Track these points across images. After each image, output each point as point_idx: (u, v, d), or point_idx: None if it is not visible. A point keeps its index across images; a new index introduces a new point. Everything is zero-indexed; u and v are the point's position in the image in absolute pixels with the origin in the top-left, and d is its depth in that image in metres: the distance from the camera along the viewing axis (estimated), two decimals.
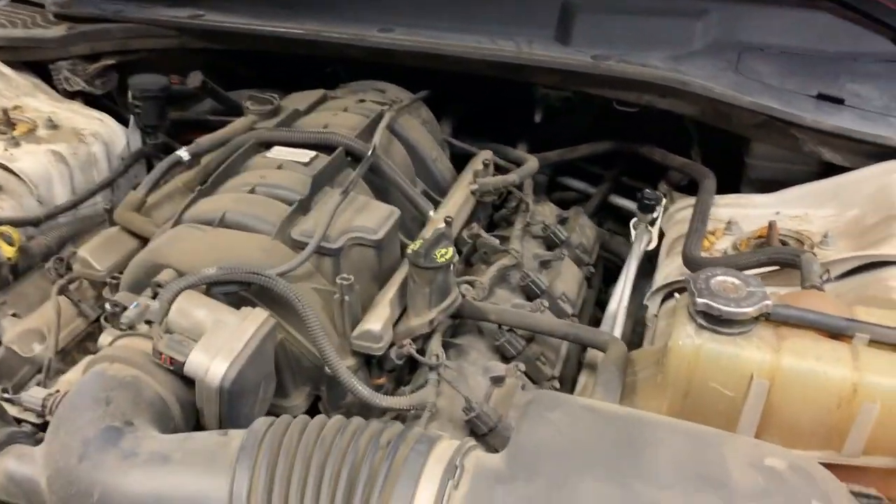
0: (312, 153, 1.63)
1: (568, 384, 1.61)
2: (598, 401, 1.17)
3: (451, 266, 1.41)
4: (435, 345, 1.42)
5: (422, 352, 1.43)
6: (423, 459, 0.98)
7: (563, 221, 2.01)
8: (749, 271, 1.40)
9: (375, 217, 1.48)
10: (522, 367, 1.48)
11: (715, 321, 1.16)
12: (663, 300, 1.57)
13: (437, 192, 1.90)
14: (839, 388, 1.11)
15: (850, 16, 1.88)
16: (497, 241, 1.78)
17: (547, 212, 2.01)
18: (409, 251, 1.39)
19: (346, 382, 1.28)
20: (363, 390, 1.29)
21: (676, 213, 1.78)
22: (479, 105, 2.27)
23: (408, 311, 1.45)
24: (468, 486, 0.96)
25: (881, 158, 1.59)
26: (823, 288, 1.26)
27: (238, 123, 1.80)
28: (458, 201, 1.74)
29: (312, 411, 1.43)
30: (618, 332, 1.61)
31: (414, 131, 1.90)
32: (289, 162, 1.61)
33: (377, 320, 1.37)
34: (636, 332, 1.77)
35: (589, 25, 1.87)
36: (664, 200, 1.91)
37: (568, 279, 1.79)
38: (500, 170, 2.07)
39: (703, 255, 1.53)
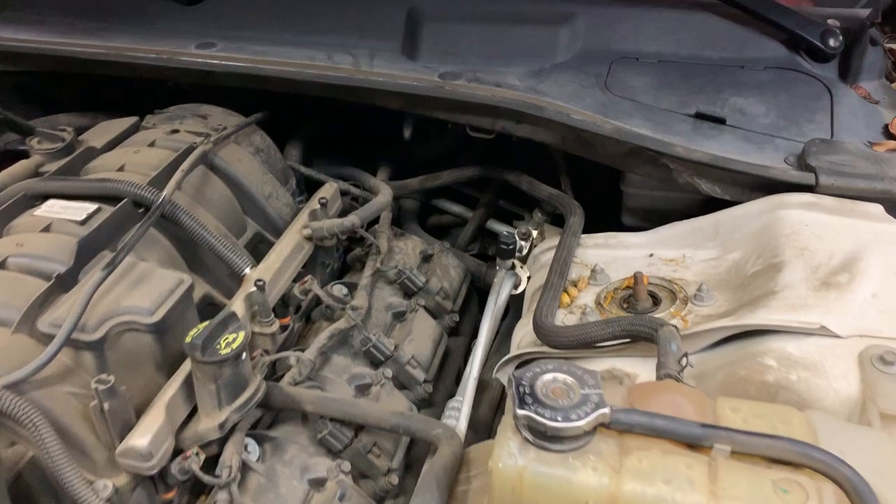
0: (92, 207, 1.34)
1: (415, 470, 1.37)
2: None
3: (244, 355, 1.15)
4: (229, 453, 1.16)
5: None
6: None
7: (428, 258, 1.76)
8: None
9: (155, 291, 1.20)
10: (347, 466, 1.23)
11: (542, 436, 0.92)
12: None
13: (274, 234, 1.63)
14: None
15: (736, 15, 1.65)
16: (336, 296, 1.52)
17: (409, 248, 1.75)
18: (185, 342, 1.12)
19: None
20: None
21: (542, 256, 1.53)
22: (337, 123, 1.99)
23: (198, 410, 1.18)
24: None
25: (765, 191, 1.37)
26: (682, 377, 1.03)
27: (17, 168, 1.50)
28: (283, 251, 1.47)
29: None
30: (467, 409, 1.37)
31: (240, 164, 1.61)
32: (60, 221, 1.31)
33: (145, 432, 1.10)
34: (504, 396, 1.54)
35: (438, 36, 1.60)
36: (534, 234, 1.67)
37: (421, 337, 1.54)
38: (356, 200, 1.81)
39: (560, 320, 1.29)
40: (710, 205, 1.47)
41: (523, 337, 1.34)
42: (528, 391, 0.94)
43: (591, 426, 0.91)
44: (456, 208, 2.05)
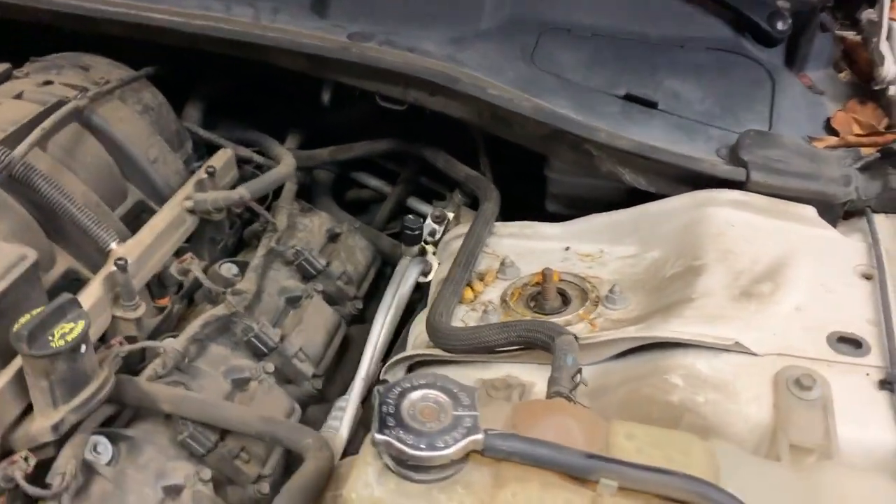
0: None
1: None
2: None
3: (83, 347, 0.99)
4: (65, 458, 1.00)
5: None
6: None
7: (335, 237, 1.61)
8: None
9: None
10: (207, 473, 1.09)
11: (405, 464, 0.79)
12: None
13: (160, 203, 1.45)
14: None
15: None
16: (224, 276, 1.37)
17: (315, 225, 1.60)
18: (11, 332, 0.96)
19: None
20: None
21: (452, 242, 1.40)
22: (246, 82, 1.81)
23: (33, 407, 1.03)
24: None
25: (693, 185, 1.25)
26: (575, 395, 0.91)
27: None
28: (158, 225, 1.30)
29: None
30: (351, 412, 1.24)
31: (121, 124, 1.43)
32: None
33: None
34: None
35: None
36: (450, 217, 1.53)
37: (313, 326, 1.39)
38: (260, 169, 1.64)
39: (460, 318, 1.16)
40: (638, 196, 1.35)
41: (419, 335, 1.21)
42: (391, 411, 0.81)
43: (461, 454, 0.79)
44: (375, 182, 1.89)
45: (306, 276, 1.49)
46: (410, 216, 1.38)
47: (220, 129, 1.72)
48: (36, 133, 1.22)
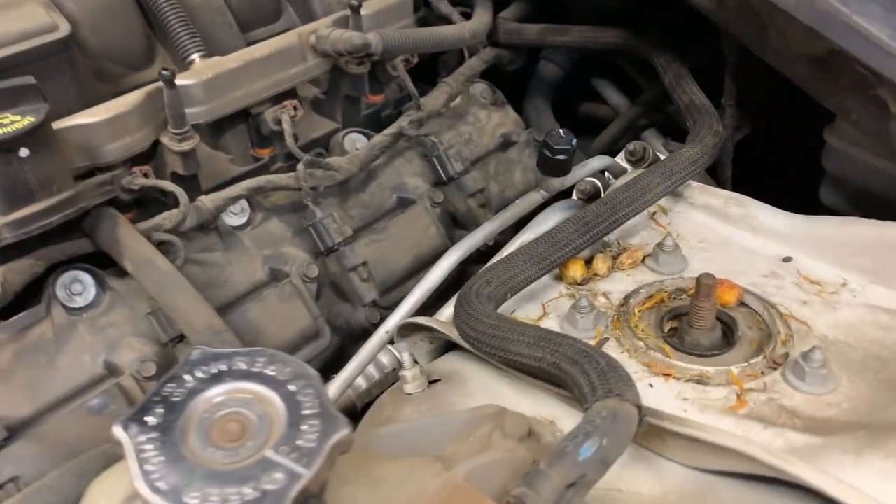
0: None
1: None
2: None
3: (24, 151, 0.75)
4: None
5: None
6: None
7: (507, 146, 1.20)
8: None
9: (14, 25, 0.85)
10: (151, 369, 0.81)
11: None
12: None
13: None
14: None
15: None
16: (343, 147, 1.07)
17: (492, 123, 1.21)
18: None
19: None
20: None
21: None
22: None
23: None
24: None
25: None
26: None
27: None
28: (262, 50, 1.01)
29: None
30: (349, 370, 0.85)
31: None
32: None
33: None
34: None
35: None
36: (654, 155, 1.03)
37: (400, 243, 1.02)
38: None
39: (542, 302, 0.71)
40: None
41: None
42: (173, 398, 0.44)
43: None
44: (616, 98, 1.41)
45: (437, 181, 1.12)
46: (559, 130, 0.91)
47: None
48: None
